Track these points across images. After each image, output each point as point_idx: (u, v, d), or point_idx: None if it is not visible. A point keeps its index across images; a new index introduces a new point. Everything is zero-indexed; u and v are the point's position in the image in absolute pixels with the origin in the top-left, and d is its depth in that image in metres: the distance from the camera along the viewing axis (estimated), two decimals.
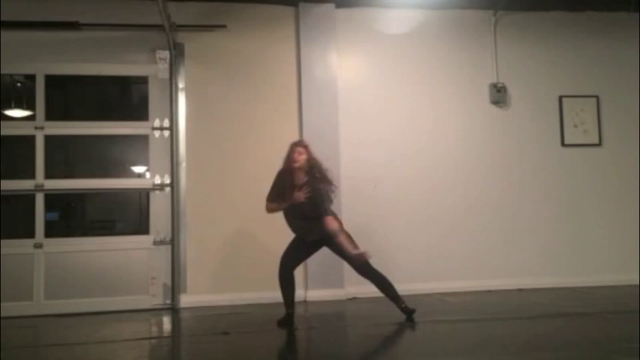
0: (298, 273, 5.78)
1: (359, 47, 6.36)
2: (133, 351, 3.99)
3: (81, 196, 7.03)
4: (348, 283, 5.96)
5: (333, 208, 4.77)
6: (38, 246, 5.69)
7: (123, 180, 6.48)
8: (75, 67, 6.00)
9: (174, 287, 5.78)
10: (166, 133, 5.98)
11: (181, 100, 6.02)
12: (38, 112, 5.85)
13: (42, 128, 5.81)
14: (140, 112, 6.09)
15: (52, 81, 5.97)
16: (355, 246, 4.58)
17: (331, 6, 6.23)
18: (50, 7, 5.85)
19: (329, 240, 4.56)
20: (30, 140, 5.79)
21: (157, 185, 5.93)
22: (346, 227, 6.00)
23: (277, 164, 5.42)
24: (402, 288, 5.93)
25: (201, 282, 5.79)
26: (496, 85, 6.45)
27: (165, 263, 5.83)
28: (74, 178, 6.32)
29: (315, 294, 5.81)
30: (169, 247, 5.84)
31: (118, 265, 5.76)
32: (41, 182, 5.77)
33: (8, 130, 5.79)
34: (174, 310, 5.68)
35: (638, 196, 6.48)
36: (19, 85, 6.35)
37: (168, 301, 5.77)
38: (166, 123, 5.98)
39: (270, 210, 4.67)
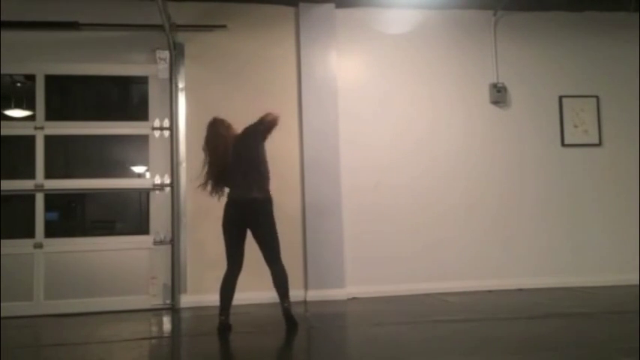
0: (298, 272, 5.84)
1: (359, 47, 6.36)
2: (133, 351, 3.98)
3: (81, 196, 7.02)
4: (348, 283, 5.97)
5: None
6: (38, 246, 5.70)
7: (123, 180, 6.47)
8: (75, 67, 6.00)
9: (174, 287, 5.78)
10: (166, 133, 5.98)
11: (181, 100, 6.02)
12: (38, 112, 5.85)
13: (42, 128, 5.82)
14: (140, 112, 6.09)
15: (52, 81, 5.97)
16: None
17: (331, 6, 6.23)
18: (50, 7, 5.85)
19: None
20: (30, 140, 5.79)
21: (157, 185, 5.93)
22: (345, 225, 6.05)
23: (278, 164, 5.41)
24: (402, 288, 5.99)
25: (201, 282, 5.79)
26: (496, 85, 6.45)
27: (165, 263, 5.83)
28: (74, 178, 6.32)
29: (315, 294, 5.81)
30: (169, 247, 5.85)
31: (118, 265, 5.76)
32: (41, 182, 5.77)
33: (8, 130, 5.79)
34: (174, 310, 5.68)
35: (638, 196, 6.49)
36: (19, 85, 6.35)
37: (168, 301, 5.77)
38: (166, 123, 5.99)
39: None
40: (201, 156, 5.89)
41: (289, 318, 4.32)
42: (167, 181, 5.93)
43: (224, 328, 4.27)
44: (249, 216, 4.37)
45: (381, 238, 6.11)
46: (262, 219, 4.39)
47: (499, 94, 6.44)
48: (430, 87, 6.40)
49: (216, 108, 5.99)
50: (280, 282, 4.35)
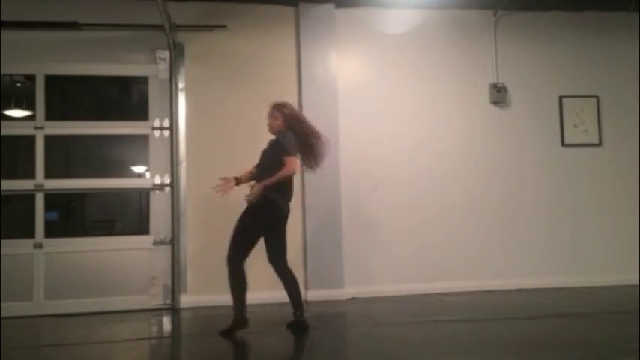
0: (298, 272, 5.80)
1: (359, 47, 6.36)
2: (133, 351, 3.99)
3: (81, 196, 7.03)
4: (348, 283, 5.97)
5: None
6: (38, 246, 5.69)
7: (123, 180, 6.48)
8: (75, 67, 6.00)
9: (175, 287, 5.78)
10: (166, 133, 5.98)
11: (181, 100, 6.02)
12: (38, 112, 5.84)
13: (42, 128, 5.81)
14: (140, 112, 6.08)
15: (52, 81, 5.96)
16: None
17: (331, 6, 6.23)
18: (50, 7, 5.85)
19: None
20: (30, 140, 5.79)
21: (157, 185, 5.93)
22: (345, 225, 6.05)
23: None
24: (402, 288, 6.00)
25: (201, 282, 5.79)
26: (496, 85, 6.45)
27: (165, 263, 5.83)
28: (74, 178, 6.32)
29: (315, 294, 5.81)
30: (169, 247, 5.84)
31: (118, 265, 5.76)
32: (41, 182, 5.77)
33: (8, 130, 5.79)
34: (174, 310, 5.68)
35: (638, 196, 6.49)
36: (19, 85, 6.35)
37: (168, 301, 5.77)
38: (166, 123, 5.99)
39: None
40: (200, 156, 5.94)
41: (299, 325, 4.34)
42: (167, 181, 5.93)
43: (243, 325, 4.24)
44: (281, 222, 4.42)
45: (381, 238, 6.11)
46: (284, 225, 4.45)
47: (499, 94, 6.44)
48: (430, 87, 6.40)
49: (216, 108, 6.04)
50: (298, 292, 4.40)
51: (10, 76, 6.18)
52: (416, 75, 6.39)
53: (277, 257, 4.39)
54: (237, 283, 4.22)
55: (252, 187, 4.33)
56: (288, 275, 4.38)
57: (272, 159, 4.33)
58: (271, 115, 4.47)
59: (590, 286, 6.14)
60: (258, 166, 4.49)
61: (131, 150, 6.84)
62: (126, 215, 7.43)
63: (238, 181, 4.52)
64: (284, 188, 4.35)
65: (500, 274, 6.22)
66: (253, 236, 4.32)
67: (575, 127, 6.56)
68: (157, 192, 5.93)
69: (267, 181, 4.23)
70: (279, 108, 4.46)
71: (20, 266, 5.61)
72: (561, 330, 4.20)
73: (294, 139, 4.36)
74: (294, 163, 4.29)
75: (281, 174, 4.23)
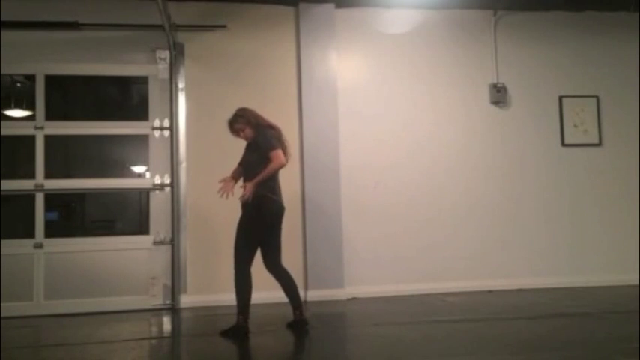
0: (298, 272, 5.83)
1: (359, 47, 6.36)
2: (133, 351, 3.99)
3: (81, 196, 7.02)
4: (348, 283, 5.97)
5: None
6: (38, 246, 5.69)
7: (123, 180, 6.47)
8: (75, 67, 6.00)
9: (175, 287, 5.78)
10: (166, 133, 5.98)
11: (181, 100, 6.02)
12: (38, 112, 5.85)
13: (42, 128, 5.81)
14: (140, 112, 6.08)
15: (52, 81, 5.97)
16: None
17: (331, 6, 6.23)
18: (50, 7, 5.85)
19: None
20: (30, 140, 5.79)
21: (157, 185, 5.93)
22: (345, 225, 6.05)
23: None
24: (402, 288, 6.00)
25: (201, 282, 5.79)
26: (496, 85, 6.45)
27: (165, 263, 5.83)
28: (74, 178, 6.32)
29: (315, 294, 5.81)
30: (169, 247, 5.84)
31: (118, 265, 5.76)
32: (41, 182, 5.77)
33: (8, 130, 5.79)
34: (174, 310, 5.68)
35: (638, 196, 6.49)
36: (19, 85, 6.35)
37: (168, 301, 5.77)
38: (166, 123, 5.99)
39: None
40: (200, 156, 5.94)
41: (299, 324, 4.36)
42: (167, 181, 5.93)
43: (244, 332, 4.22)
44: (279, 219, 4.43)
45: (381, 238, 6.11)
46: (280, 224, 4.46)
47: (499, 94, 6.44)
48: (430, 87, 6.40)
49: (216, 108, 6.02)
50: (296, 290, 4.41)
51: (10, 76, 6.17)
52: (416, 75, 6.39)
53: (272, 260, 4.40)
54: (243, 286, 4.24)
55: (244, 187, 4.34)
56: (285, 275, 4.40)
57: (256, 157, 4.37)
58: (240, 130, 4.52)
59: (590, 286, 6.14)
60: (243, 165, 4.51)
61: (131, 150, 6.84)
62: (126, 215, 7.42)
63: (235, 180, 4.53)
64: (271, 183, 4.36)
65: (501, 274, 6.23)
66: (256, 236, 4.33)
67: (575, 127, 6.56)
68: (157, 192, 5.93)
69: (259, 178, 4.25)
70: (237, 120, 4.52)
71: (20, 266, 5.61)
72: (561, 330, 4.21)
73: (270, 132, 4.43)
74: (281, 155, 4.34)
75: (270, 168, 4.27)
